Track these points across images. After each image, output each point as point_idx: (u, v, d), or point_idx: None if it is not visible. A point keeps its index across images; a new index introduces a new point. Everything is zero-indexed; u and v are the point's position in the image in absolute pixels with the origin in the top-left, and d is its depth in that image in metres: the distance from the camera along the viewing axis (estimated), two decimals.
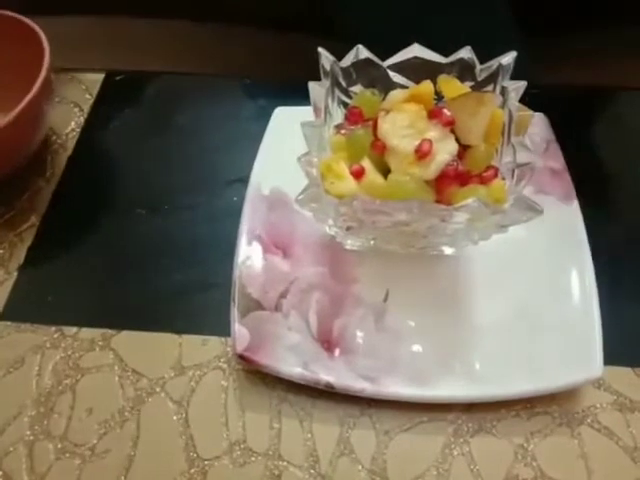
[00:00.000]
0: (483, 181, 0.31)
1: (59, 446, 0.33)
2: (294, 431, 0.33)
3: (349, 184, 0.31)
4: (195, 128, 0.46)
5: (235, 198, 0.41)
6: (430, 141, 0.30)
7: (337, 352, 0.34)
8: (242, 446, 0.33)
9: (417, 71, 0.34)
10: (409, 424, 0.33)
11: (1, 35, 0.42)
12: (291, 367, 0.33)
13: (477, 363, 0.33)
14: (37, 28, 0.41)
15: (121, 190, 0.43)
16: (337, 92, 0.35)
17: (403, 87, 0.35)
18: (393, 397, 0.33)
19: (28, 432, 0.33)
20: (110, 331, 0.37)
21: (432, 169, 0.30)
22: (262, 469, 0.32)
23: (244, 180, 0.40)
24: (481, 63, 0.34)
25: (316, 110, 0.33)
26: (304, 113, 0.33)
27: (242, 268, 0.36)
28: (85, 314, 0.38)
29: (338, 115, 0.35)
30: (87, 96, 0.48)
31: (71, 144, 0.45)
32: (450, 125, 0.31)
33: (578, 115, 0.44)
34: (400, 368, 0.33)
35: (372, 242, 0.36)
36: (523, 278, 0.36)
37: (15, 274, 0.39)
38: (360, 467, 0.32)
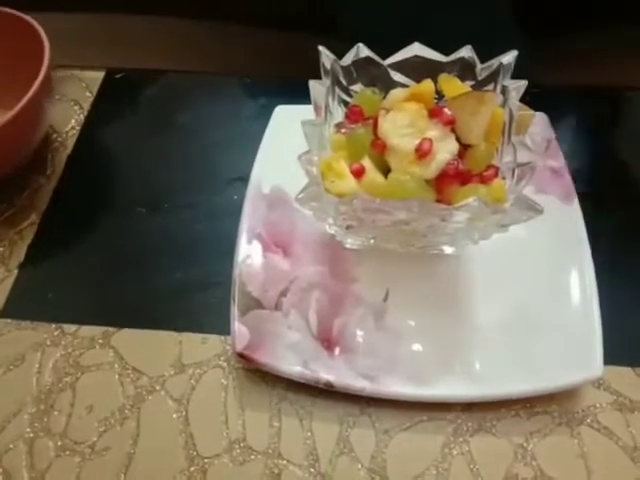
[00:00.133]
0: (483, 180, 0.31)
1: (59, 443, 0.33)
2: (294, 430, 0.33)
3: (349, 183, 0.31)
4: (195, 126, 0.46)
5: (235, 197, 0.41)
6: (430, 140, 0.30)
7: (337, 351, 0.34)
8: (242, 444, 0.33)
9: (418, 70, 0.34)
10: (409, 423, 0.33)
11: (1, 32, 0.42)
12: (291, 366, 0.33)
13: (477, 362, 0.33)
14: (37, 25, 0.41)
15: (121, 188, 0.43)
16: (337, 91, 0.35)
17: (404, 86, 0.35)
18: (393, 396, 0.33)
19: (28, 429, 0.34)
20: (110, 329, 0.37)
21: (432, 168, 0.30)
22: (262, 467, 0.32)
23: (244, 179, 0.40)
24: (482, 62, 0.34)
25: (316, 109, 0.33)
26: (304, 112, 0.33)
27: (242, 267, 0.36)
28: (85, 312, 0.38)
29: (338, 114, 0.35)
30: (87, 94, 0.48)
31: (71, 142, 0.45)
32: (450, 124, 0.31)
33: (579, 115, 0.44)
34: (400, 367, 0.33)
35: (372, 241, 0.36)
36: (523, 277, 0.36)
37: (15, 272, 0.39)
38: (360, 466, 0.32)
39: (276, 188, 0.39)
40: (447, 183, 0.31)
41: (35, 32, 0.40)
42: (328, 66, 0.34)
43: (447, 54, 0.34)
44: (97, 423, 0.34)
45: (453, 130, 0.31)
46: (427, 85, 0.33)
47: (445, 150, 0.31)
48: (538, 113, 0.38)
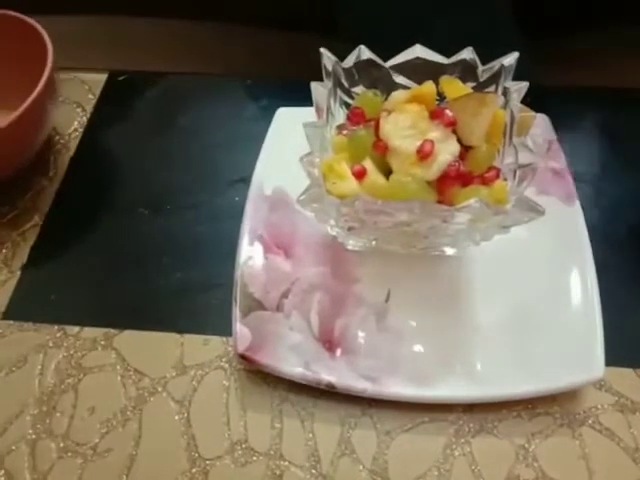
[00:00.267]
0: (485, 182, 0.31)
1: (61, 445, 0.33)
2: (295, 431, 0.33)
3: (351, 184, 0.31)
4: (197, 128, 0.46)
5: (237, 198, 0.41)
6: (432, 142, 0.30)
7: (338, 352, 0.34)
8: (243, 446, 0.33)
9: (419, 72, 0.34)
10: (410, 424, 0.33)
11: (4, 35, 0.43)
12: (292, 367, 0.33)
13: (478, 363, 0.33)
14: (40, 28, 0.41)
15: (124, 190, 0.43)
16: (339, 93, 0.35)
17: (405, 88, 0.35)
18: (394, 397, 0.33)
19: (30, 431, 0.34)
20: (112, 330, 0.37)
21: (434, 170, 0.30)
22: (263, 469, 0.32)
23: (246, 180, 0.40)
24: (483, 64, 0.34)
25: (318, 110, 0.33)
26: (306, 113, 0.33)
27: (244, 268, 0.36)
28: (87, 313, 0.38)
29: (340, 115, 0.35)
30: (90, 96, 0.48)
31: (74, 144, 0.46)
32: (452, 126, 0.31)
33: (580, 116, 0.44)
34: (401, 368, 0.33)
35: (373, 242, 0.36)
36: (525, 279, 0.36)
37: (18, 273, 0.39)
38: (361, 467, 0.32)
39: (278, 190, 0.39)
40: (448, 184, 0.31)
41: (38, 35, 0.41)
42: (330, 68, 0.34)
43: (449, 56, 0.34)
44: (99, 425, 0.34)
45: (454, 131, 0.32)
46: (428, 87, 0.33)
47: (446, 151, 0.31)
48: (539, 115, 0.38)
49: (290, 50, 0.54)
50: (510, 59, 0.33)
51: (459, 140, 0.32)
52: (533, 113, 0.32)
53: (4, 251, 0.40)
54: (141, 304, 0.38)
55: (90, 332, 0.37)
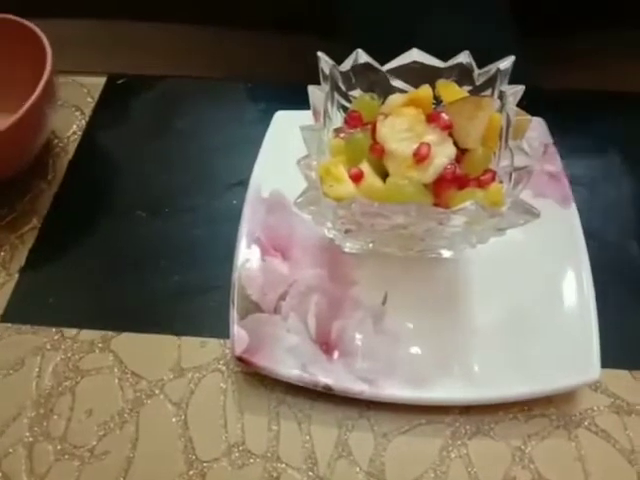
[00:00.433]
0: (481, 184, 0.31)
1: (58, 447, 0.33)
2: (292, 433, 0.33)
3: (348, 187, 0.31)
4: (196, 131, 0.46)
5: (235, 201, 0.41)
6: (428, 145, 0.31)
7: (336, 354, 0.34)
8: (241, 448, 0.33)
9: (416, 75, 0.34)
10: (407, 426, 0.33)
11: (3, 38, 0.43)
12: (289, 369, 0.33)
13: (475, 365, 0.33)
14: (39, 31, 0.41)
15: (122, 193, 0.44)
16: (337, 96, 0.35)
17: (402, 91, 0.35)
18: (391, 399, 0.33)
19: (27, 433, 0.34)
20: (110, 333, 0.37)
21: (430, 172, 0.31)
22: (260, 471, 0.32)
23: (244, 183, 0.40)
24: (479, 68, 0.34)
25: (315, 114, 0.33)
26: (304, 117, 0.33)
27: (241, 270, 0.36)
28: (85, 316, 0.38)
29: (337, 119, 0.36)
30: (89, 99, 0.49)
31: (72, 147, 0.46)
32: (448, 129, 0.31)
33: (576, 119, 0.44)
34: (398, 370, 0.33)
35: (370, 245, 0.36)
36: (521, 281, 0.36)
37: (16, 276, 0.39)
38: (358, 469, 0.32)
39: (275, 192, 0.39)
40: (445, 187, 0.31)
41: (37, 38, 0.41)
42: (327, 72, 0.34)
43: (446, 58, 0.34)
44: (96, 427, 0.34)
45: (451, 135, 0.32)
46: (425, 90, 0.33)
47: (443, 154, 0.31)
48: (535, 118, 0.38)
49: (289, 53, 0.54)
50: (506, 63, 0.34)
51: (455, 143, 0.32)
52: (529, 116, 0.32)
53: (2, 254, 0.40)
54: (139, 307, 0.38)
55: (88, 335, 0.37)
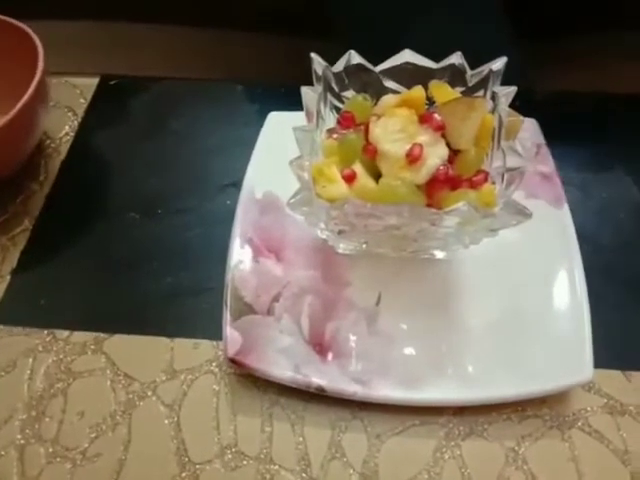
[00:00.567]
0: (473, 185, 0.31)
1: (50, 450, 0.33)
2: (285, 435, 0.33)
3: (340, 188, 0.31)
4: (189, 132, 0.46)
5: (228, 202, 0.41)
6: (421, 145, 0.31)
7: (329, 355, 0.34)
8: (233, 450, 0.33)
9: (409, 76, 0.34)
10: (401, 427, 0.33)
11: None
12: (282, 370, 0.33)
13: (469, 366, 0.33)
14: (31, 32, 0.41)
15: (114, 194, 0.43)
16: (329, 97, 0.35)
17: (395, 92, 0.35)
18: (385, 400, 0.33)
19: (19, 436, 0.33)
20: (102, 335, 0.37)
21: (423, 173, 0.31)
22: (253, 473, 0.32)
23: (237, 184, 0.40)
24: (472, 69, 0.34)
25: (308, 115, 0.33)
26: (297, 118, 0.33)
27: (234, 272, 0.36)
28: (77, 318, 0.37)
29: (330, 119, 0.35)
30: (81, 100, 0.48)
31: (65, 148, 0.46)
32: (441, 130, 0.31)
33: (568, 120, 0.45)
34: (392, 371, 0.33)
35: (364, 246, 0.36)
36: (514, 281, 0.36)
37: (8, 278, 0.39)
38: (352, 471, 0.32)
39: (268, 193, 0.39)
40: (437, 188, 0.31)
41: (30, 39, 0.41)
42: (320, 72, 0.34)
43: (438, 60, 0.35)
44: (88, 429, 0.33)
45: (443, 135, 0.32)
46: (418, 91, 0.33)
47: (435, 155, 0.31)
48: (528, 119, 0.38)
49: (283, 54, 0.54)
50: (498, 64, 0.34)
51: (448, 144, 0.32)
52: (521, 117, 0.32)
53: None
54: (131, 308, 0.38)
55: (80, 336, 0.37)
